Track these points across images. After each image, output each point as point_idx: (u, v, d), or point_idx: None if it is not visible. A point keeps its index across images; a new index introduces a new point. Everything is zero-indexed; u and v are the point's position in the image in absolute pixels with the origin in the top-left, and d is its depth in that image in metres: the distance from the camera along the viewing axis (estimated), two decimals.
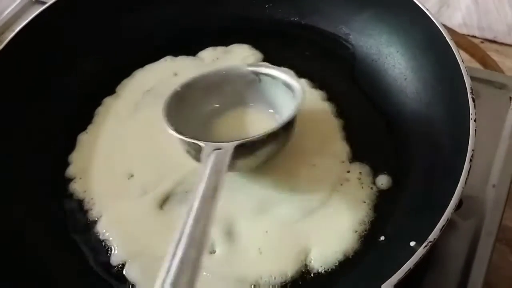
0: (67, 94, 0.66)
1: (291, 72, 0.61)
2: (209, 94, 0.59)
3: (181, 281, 0.37)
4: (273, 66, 0.60)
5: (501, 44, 0.87)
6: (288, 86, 0.56)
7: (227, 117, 0.59)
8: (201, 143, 0.50)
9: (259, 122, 0.58)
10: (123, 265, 0.53)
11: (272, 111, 0.59)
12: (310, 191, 0.56)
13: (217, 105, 0.60)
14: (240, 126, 0.59)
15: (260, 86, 0.59)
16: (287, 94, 0.56)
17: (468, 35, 0.87)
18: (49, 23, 0.66)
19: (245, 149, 0.50)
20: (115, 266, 0.53)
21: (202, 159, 0.48)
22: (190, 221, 0.41)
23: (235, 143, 0.49)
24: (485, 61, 0.80)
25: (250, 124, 0.59)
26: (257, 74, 0.58)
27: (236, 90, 0.59)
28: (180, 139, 0.51)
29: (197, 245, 0.40)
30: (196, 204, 0.43)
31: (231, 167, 0.49)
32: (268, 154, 0.54)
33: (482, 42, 0.87)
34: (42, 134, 0.62)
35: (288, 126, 0.53)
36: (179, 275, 0.38)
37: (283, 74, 0.57)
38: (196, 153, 0.51)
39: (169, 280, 0.37)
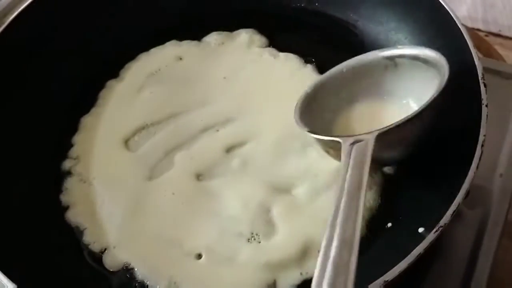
0: (71, 76, 0.65)
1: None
2: (340, 91, 0.56)
3: (337, 284, 0.37)
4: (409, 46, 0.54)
5: (506, 37, 0.87)
6: (429, 63, 0.52)
7: (357, 111, 0.56)
8: (339, 139, 0.48)
9: (393, 114, 0.53)
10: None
11: (406, 101, 0.55)
12: (317, 174, 0.55)
13: (348, 100, 0.56)
14: (372, 120, 0.54)
15: (395, 73, 0.55)
16: (427, 74, 0.51)
17: (473, 28, 0.87)
18: (51, 6, 0.65)
19: (387, 138, 0.47)
20: None
21: (342, 155, 0.46)
22: (339, 221, 0.41)
23: (376, 132, 0.46)
24: (491, 54, 0.79)
25: (384, 117, 0.54)
26: (392, 58, 0.54)
27: (368, 82, 0.56)
28: (318, 139, 0.50)
29: (348, 247, 0.39)
30: (342, 203, 0.42)
31: (375, 160, 0.46)
32: (414, 142, 0.50)
33: (486, 36, 0.87)
34: (46, 117, 0.62)
35: (432, 107, 0.48)
36: (335, 278, 0.37)
37: (422, 50, 0.52)
38: (334, 151, 0.49)
39: (326, 282, 0.37)
